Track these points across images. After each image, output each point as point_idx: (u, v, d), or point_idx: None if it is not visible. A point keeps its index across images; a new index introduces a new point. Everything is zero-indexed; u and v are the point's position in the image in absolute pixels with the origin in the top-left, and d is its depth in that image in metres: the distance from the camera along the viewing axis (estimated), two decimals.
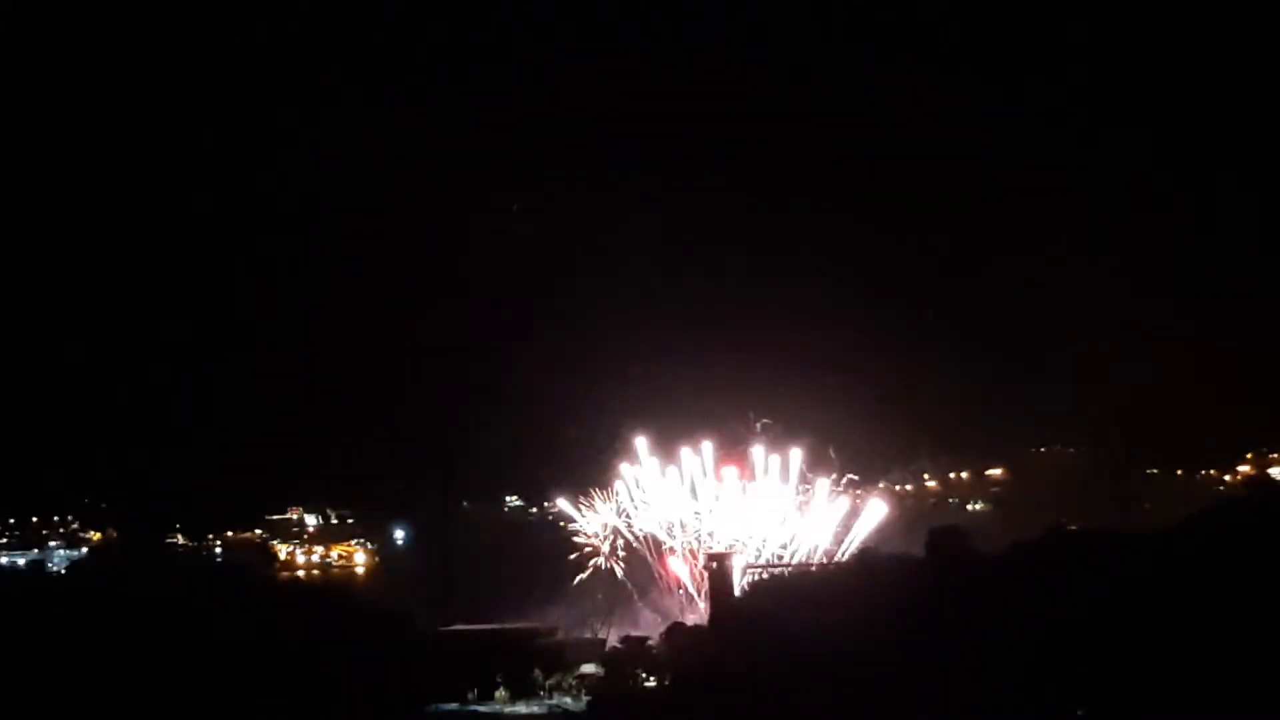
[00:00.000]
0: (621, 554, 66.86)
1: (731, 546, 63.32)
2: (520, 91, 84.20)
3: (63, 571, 69.74)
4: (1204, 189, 75.88)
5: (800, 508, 64.71)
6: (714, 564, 60.90)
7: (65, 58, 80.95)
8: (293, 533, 79.54)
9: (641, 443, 66.83)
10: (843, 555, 61.26)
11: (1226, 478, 73.98)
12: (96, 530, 79.67)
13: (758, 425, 65.44)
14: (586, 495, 72.04)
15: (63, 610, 50.69)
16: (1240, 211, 74.64)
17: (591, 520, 68.63)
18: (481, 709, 55.99)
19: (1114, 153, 75.03)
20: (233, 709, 49.14)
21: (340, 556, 78.29)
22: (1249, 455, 73.73)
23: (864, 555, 55.66)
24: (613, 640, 60.89)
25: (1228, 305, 73.24)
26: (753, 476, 64.79)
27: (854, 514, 64.30)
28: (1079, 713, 42.07)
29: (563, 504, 69.09)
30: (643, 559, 66.48)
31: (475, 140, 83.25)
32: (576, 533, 68.38)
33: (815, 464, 65.05)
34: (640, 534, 66.41)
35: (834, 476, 64.20)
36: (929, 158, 77.10)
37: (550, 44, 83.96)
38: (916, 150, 77.06)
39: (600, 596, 64.60)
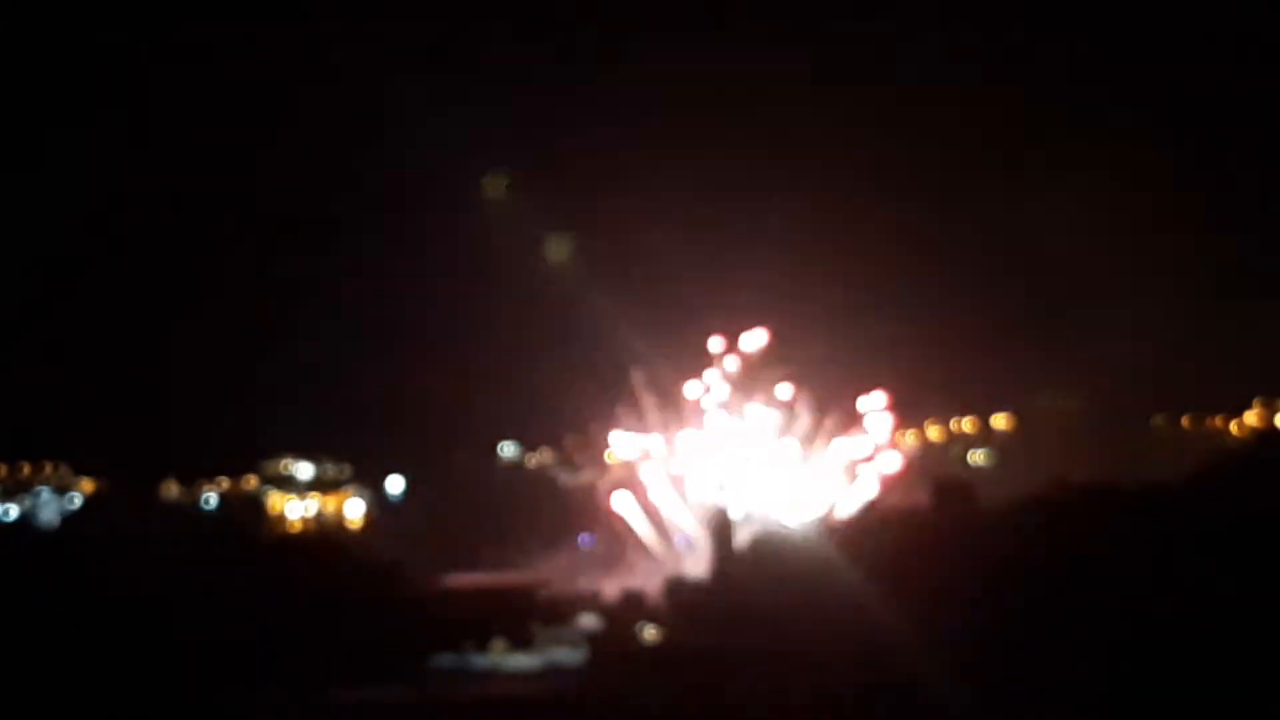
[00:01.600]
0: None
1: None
2: None
3: (54, 524, 69.60)
4: (1209, 129, 74.90)
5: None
6: (714, 515, 60.63)
7: None
8: (287, 482, 79.12)
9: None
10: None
11: (1233, 426, 73.56)
12: (87, 476, 78.92)
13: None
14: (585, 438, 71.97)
15: (55, 571, 50.00)
16: (1245, 156, 73.62)
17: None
18: (478, 662, 55.75)
19: (1120, 99, 73.83)
20: (229, 666, 48.52)
21: (335, 506, 77.99)
22: (1256, 403, 73.37)
23: (868, 508, 55.38)
24: (611, 593, 60.57)
25: (1232, 251, 72.20)
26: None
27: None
28: (1082, 668, 41.76)
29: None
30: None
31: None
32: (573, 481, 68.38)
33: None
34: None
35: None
36: (938, 100, 75.72)
37: None
38: (925, 92, 75.68)
39: (598, 547, 64.41)
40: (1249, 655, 37.64)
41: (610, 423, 68.99)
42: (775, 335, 67.78)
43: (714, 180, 79.77)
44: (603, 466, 73.58)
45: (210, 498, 77.88)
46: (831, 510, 62.71)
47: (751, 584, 49.94)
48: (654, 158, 78.02)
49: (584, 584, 61.90)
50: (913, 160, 76.96)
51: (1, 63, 75.46)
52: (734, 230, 77.71)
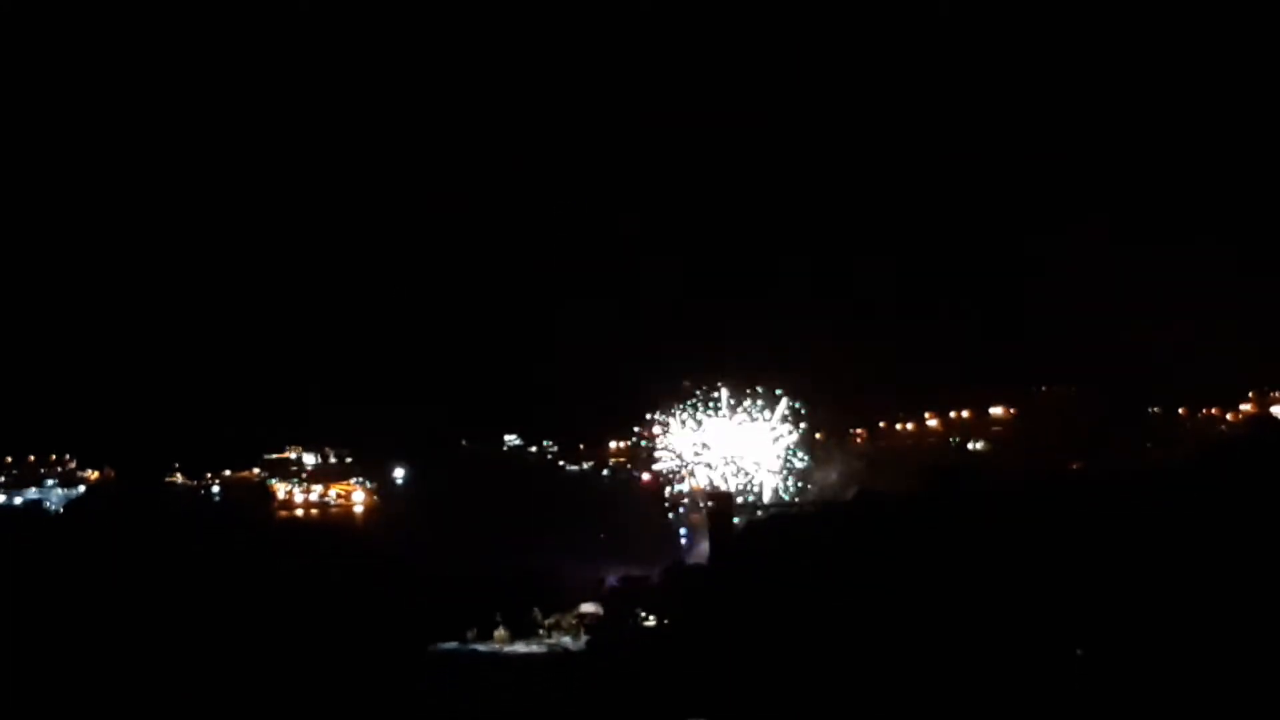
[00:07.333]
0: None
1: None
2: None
3: (61, 510, 70.11)
4: (1202, 120, 75.22)
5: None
6: (714, 503, 61.03)
7: None
8: (291, 472, 79.46)
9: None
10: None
11: (1229, 416, 73.67)
12: (94, 469, 79.44)
13: None
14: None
15: (62, 550, 50.58)
16: (1239, 143, 73.84)
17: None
18: (481, 649, 56.11)
19: (1111, 86, 74.17)
20: (231, 650, 49.02)
21: (339, 495, 78.28)
22: (1251, 394, 73.47)
23: (863, 495, 55.66)
24: (612, 579, 60.86)
25: (1227, 242, 72.32)
26: None
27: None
28: (1077, 652, 42.11)
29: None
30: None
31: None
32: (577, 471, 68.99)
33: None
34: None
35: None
36: (927, 89, 76.29)
37: None
38: (913, 81, 76.22)
39: (601, 536, 64.74)
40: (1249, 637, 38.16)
41: (613, 414, 69.65)
42: (780, 332, 68.40)
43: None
44: (605, 455, 74.27)
45: (215, 488, 78.30)
46: (826, 495, 63.28)
47: (749, 568, 50.43)
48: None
49: (586, 570, 62.16)
50: (907, 156, 77.60)
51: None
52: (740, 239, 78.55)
